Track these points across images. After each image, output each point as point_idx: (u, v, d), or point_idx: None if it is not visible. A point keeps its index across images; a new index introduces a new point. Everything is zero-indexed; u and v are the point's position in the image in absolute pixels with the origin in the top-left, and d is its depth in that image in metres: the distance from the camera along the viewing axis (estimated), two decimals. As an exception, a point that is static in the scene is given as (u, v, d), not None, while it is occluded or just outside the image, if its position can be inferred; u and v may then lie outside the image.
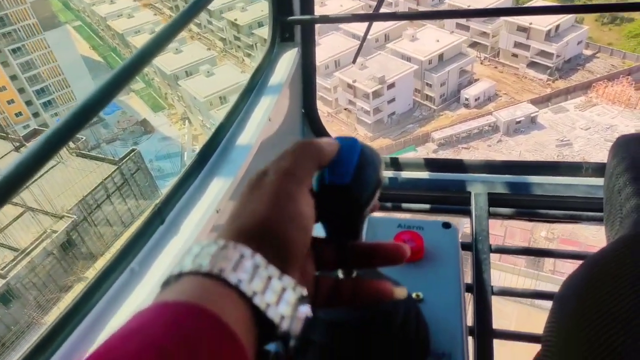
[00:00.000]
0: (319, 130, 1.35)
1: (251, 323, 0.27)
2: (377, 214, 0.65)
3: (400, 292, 0.37)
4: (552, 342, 0.44)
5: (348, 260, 0.37)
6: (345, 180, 0.35)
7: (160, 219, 0.77)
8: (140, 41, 25.06)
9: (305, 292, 0.29)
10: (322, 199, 0.35)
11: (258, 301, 0.27)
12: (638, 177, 0.58)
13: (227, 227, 0.31)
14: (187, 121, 23.77)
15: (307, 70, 1.28)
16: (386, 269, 0.48)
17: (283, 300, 0.28)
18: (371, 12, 1.33)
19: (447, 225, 0.62)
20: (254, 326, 0.27)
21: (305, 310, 0.28)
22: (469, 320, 1.05)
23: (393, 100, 18.60)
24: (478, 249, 1.15)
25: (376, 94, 17.85)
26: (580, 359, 0.39)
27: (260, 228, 0.30)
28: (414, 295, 0.53)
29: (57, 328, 0.60)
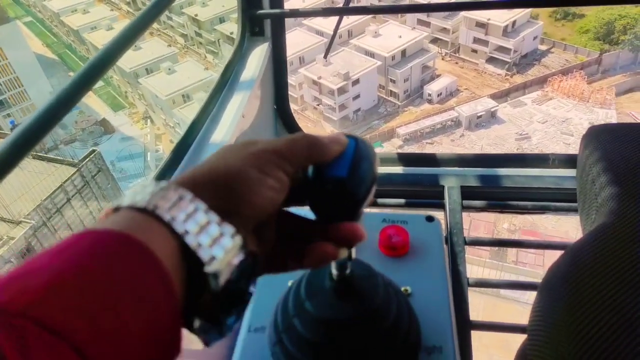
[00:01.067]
0: (292, 126, 1.34)
1: (180, 261, 0.26)
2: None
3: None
4: (540, 333, 0.44)
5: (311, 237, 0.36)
6: (341, 174, 0.34)
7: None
8: (96, 38, 24.20)
9: (242, 242, 0.28)
10: (318, 193, 0.34)
11: (190, 240, 0.26)
12: (611, 167, 0.60)
13: (180, 175, 0.30)
14: (149, 120, 23.16)
15: (278, 66, 1.26)
16: (372, 264, 0.47)
17: (218, 244, 0.27)
18: (340, 6, 1.33)
19: (430, 219, 0.62)
20: (183, 265, 0.27)
21: (241, 258, 0.28)
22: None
23: (358, 96, 18.74)
24: (453, 242, 1.16)
25: (341, 91, 17.93)
26: (571, 349, 0.40)
27: (215, 180, 0.30)
28: (402, 289, 0.53)
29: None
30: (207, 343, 0.28)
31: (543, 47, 21.02)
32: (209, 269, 0.26)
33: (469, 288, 1.09)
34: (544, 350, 0.43)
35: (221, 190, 0.29)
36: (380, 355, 0.43)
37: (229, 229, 0.28)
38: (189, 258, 0.27)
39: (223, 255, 0.27)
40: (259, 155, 0.31)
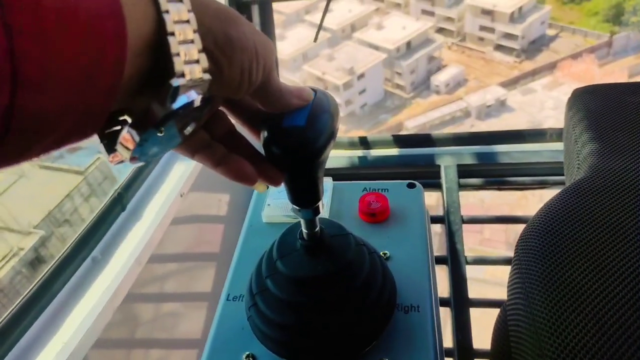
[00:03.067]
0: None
1: (144, 46, 0.23)
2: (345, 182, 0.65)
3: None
4: (517, 286, 0.44)
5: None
6: (299, 123, 0.34)
7: (121, 205, 0.75)
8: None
9: (209, 84, 0.26)
10: (277, 143, 0.34)
11: (169, 32, 0.23)
12: (592, 125, 0.59)
13: None
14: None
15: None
16: (353, 231, 0.47)
17: (191, 65, 0.24)
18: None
19: (411, 185, 0.62)
20: (145, 54, 0.23)
21: (201, 97, 0.25)
22: (445, 292, 1.06)
23: (364, 91, 18.67)
24: (450, 221, 1.16)
25: (347, 86, 17.87)
26: (543, 298, 0.39)
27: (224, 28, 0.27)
28: (381, 253, 0.53)
29: (14, 320, 0.57)
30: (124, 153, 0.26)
31: (551, 32, 20.71)
32: (176, 82, 0.24)
33: (467, 266, 1.09)
34: (519, 302, 0.42)
35: (221, 35, 0.26)
36: (353, 312, 0.43)
37: (205, 62, 0.25)
38: (154, 53, 0.23)
39: (189, 79, 0.24)
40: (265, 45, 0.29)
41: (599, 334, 0.34)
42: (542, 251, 0.42)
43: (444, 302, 1.04)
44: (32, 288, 0.61)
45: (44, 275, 0.62)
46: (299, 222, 0.44)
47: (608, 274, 0.38)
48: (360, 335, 0.44)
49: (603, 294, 0.37)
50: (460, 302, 1.03)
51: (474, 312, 1.02)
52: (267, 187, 0.37)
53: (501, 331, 0.47)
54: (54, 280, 0.63)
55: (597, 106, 0.62)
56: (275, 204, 0.60)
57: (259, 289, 0.45)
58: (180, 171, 0.83)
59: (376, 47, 18.77)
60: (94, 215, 0.71)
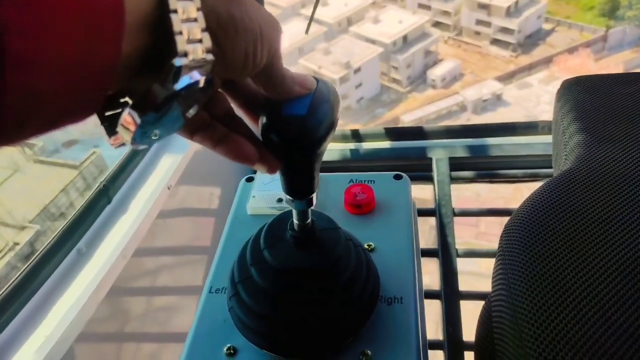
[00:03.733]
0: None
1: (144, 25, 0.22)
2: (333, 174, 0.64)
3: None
4: (500, 277, 0.44)
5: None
6: (300, 112, 0.33)
7: (107, 197, 0.74)
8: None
9: (212, 65, 0.25)
10: (277, 131, 0.33)
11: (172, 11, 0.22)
12: (580, 116, 0.58)
13: None
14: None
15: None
16: (338, 222, 0.47)
17: (193, 44, 0.23)
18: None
19: (398, 177, 0.61)
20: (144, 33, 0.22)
21: (205, 78, 0.25)
22: (437, 284, 1.06)
23: (360, 85, 18.63)
24: (441, 214, 1.16)
25: (343, 80, 17.82)
26: (525, 289, 0.39)
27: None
28: (365, 245, 0.52)
29: (-4, 313, 0.57)
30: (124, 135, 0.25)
31: (547, 26, 20.69)
32: (178, 61, 0.23)
33: (458, 258, 1.09)
34: (502, 293, 0.42)
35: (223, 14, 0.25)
36: (337, 306, 0.43)
37: (208, 41, 0.24)
38: (155, 31, 0.22)
39: (192, 59, 0.23)
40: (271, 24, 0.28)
41: (578, 325, 0.34)
42: (524, 243, 0.42)
43: (434, 295, 1.04)
44: (15, 280, 0.60)
45: (27, 267, 0.61)
46: (287, 211, 0.43)
47: (590, 265, 0.38)
48: (342, 328, 0.44)
49: (584, 285, 0.36)
50: (450, 295, 1.03)
51: (469, 305, 1.02)
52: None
53: (485, 322, 0.47)
54: (37, 272, 0.63)
55: (585, 97, 0.62)
56: (260, 196, 0.60)
57: (241, 277, 0.44)
58: (168, 164, 0.82)
59: (372, 41, 18.71)
60: (79, 207, 0.70)
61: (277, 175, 0.37)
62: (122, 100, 0.26)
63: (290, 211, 0.41)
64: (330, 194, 0.60)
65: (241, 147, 0.32)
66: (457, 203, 1.18)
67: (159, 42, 0.23)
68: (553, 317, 0.35)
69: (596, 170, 0.49)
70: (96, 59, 0.19)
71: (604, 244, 0.40)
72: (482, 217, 1.22)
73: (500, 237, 0.47)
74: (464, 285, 1.04)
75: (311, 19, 1.25)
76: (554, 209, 0.44)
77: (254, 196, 0.60)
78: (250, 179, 0.64)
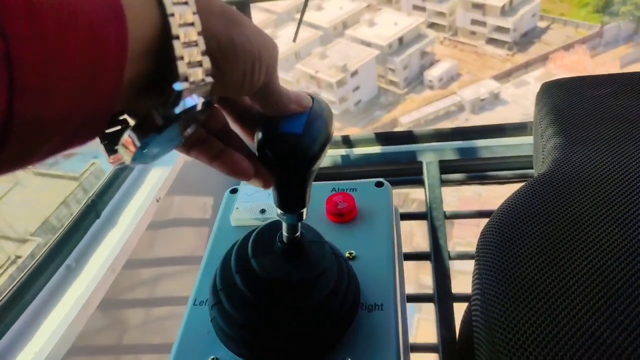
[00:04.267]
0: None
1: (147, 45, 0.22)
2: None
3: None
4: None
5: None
6: (297, 130, 0.34)
7: (95, 212, 0.75)
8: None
9: (212, 86, 0.25)
10: (273, 148, 0.34)
11: (174, 35, 0.23)
12: (557, 119, 0.59)
13: None
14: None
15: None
16: (320, 231, 0.47)
17: (194, 68, 0.24)
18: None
19: (379, 184, 0.62)
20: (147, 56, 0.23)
21: (204, 100, 0.25)
22: (430, 288, 1.06)
23: (358, 88, 18.66)
24: (433, 217, 1.16)
25: (340, 83, 17.86)
26: (499, 293, 0.40)
27: (227, 15, 0.27)
28: (347, 253, 0.53)
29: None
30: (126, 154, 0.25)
31: (542, 24, 20.74)
32: (179, 85, 0.23)
33: (450, 261, 1.10)
34: (477, 297, 0.43)
35: (222, 31, 0.26)
36: (319, 317, 0.44)
37: (208, 64, 0.24)
38: (157, 56, 0.23)
39: (192, 82, 0.24)
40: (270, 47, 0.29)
41: (549, 328, 0.35)
42: (499, 247, 0.42)
43: (428, 298, 1.04)
44: (4, 297, 0.61)
45: (16, 284, 0.62)
46: (274, 221, 0.44)
47: (562, 268, 0.39)
48: (324, 338, 0.44)
49: (556, 289, 0.37)
50: (443, 298, 1.03)
51: (463, 307, 1.02)
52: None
53: (466, 325, 0.48)
54: (27, 288, 0.63)
55: (562, 100, 0.62)
56: (243, 207, 0.60)
57: (223, 285, 0.44)
58: (157, 177, 0.83)
59: (368, 44, 18.76)
60: (66, 223, 0.71)
61: (261, 188, 0.37)
62: (120, 117, 0.26)
63: (277, 221, 0.42)
64: (312, 203, 0.61)
65: (237, 163, 0.33)
66: (459, 204, 1.19)
67: (160, 66, 0.23)
68: (524, 321, 0.36)
69: (571, 173, 0.49)
70: (101, 87, 0.19)
71: (577, 247, 0.41)
72: (471, 219, 1.22)
73: (478, 240, 0.48)
74: (464, 286, 1.04)
75: (299, 26, 1.26)
76: (529, 212, 0.45)
77: (237, 208, 0.60)
78: (234, 191, 0.64)
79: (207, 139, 0.33)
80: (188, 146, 0.33)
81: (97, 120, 0.21)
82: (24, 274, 0.63)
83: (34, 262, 0.64)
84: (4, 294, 0.61)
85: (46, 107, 0.18)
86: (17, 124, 0.17)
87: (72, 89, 0.18)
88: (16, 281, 0.62)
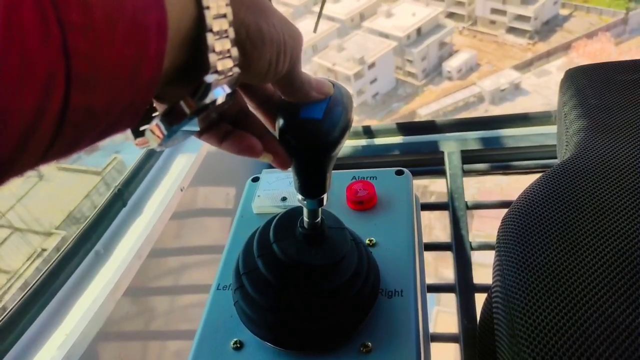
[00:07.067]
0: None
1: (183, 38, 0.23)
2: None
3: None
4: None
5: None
6: (317, 116, 0.35)
7: (122, 201, 0.76)
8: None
9: (237, 78, 0.26)
10: (294, 133, 0.35)
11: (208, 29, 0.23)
12: (581, 102, 0.58)
13: None
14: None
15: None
16: (341, 218, 0.48)
17: (223, 59, 0.24)
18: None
19: (400, 173, 0.62)
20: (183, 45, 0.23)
21: (230, 91, 0.26)
22: (451, 278, 1.06)
23: (375, 80, 18.53)
24: (454, 207, 1.16)
25: (357, 76, 17.76)
26: (519, 280, 0.40)
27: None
28: (367, 240, 0.53)
29: (20, 312, 0.60)
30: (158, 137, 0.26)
31: (565, 12, 20.21)
32: (210, 77, 0.24)
33: (472, 251, 1.09)
34: (498, 284, 0.43)
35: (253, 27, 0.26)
36: (340, 302, 0.44)
37: (236, 53, 0.25)
38: (190, 46, 0.23)
39: (222, 72, 0.24)
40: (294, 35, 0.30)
41: (569, 314, 0.35)
42: (519, 234, 0.42)
43: (449, 288, 1.04)
44: (36, 282, 0.63)
45: (47, 270, 0.64)
46: (296, 207, 0.45)
47: (584, 255, 0.38)
48: (344, 322, 0.45)
49: (577, 275, 0.37)
50: (465, 288, 1.03)
51: (484, 298, 1.02)
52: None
53: (486, 314, 0.48)
54: (57, 274, 0.66)
55: (586, 85, 0.61)
56: (265, 195, 0.61)
57: (246, 269, 0.45)
58: (181, 166, 0.84)
59: (386, 36, 18.58)
60: (95, 211, 0.73)
61: (282, 175, 0.38)
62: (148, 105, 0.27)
63: (298, 207, 0.43)
64: (333, 191, 0.61)
65: (244, 140, 0.33)
66: (479, 195, 1.19)
67: (190, 56, 0.24)
68: (544, 308, 0.36)
69: (595, 159, 0.49)
70: (143, 75, 0.20)
71: (599, 234, 0.41)
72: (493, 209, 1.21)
73: (498, 229, 0.48)
74: (484, 277, 1.04)
75: (319, 16, 1.26)
76: (550, 200, 0.45)
77: (259, 195, 0.61)
78: (256, 179, 0.65)
79: (218, 124, 0.34)
80: (200, 131, 0.33)
81: (135, 108, 0.21)
82: (55, 259, 0.65)
83: (64, 247, 0.66)
84: (37, 278, 0.63)
85: (97, 96, 0.18)
86: (72, 112, 0.18)
87: (119, 77, 0.19)
88: (48, 266, 0.65)
